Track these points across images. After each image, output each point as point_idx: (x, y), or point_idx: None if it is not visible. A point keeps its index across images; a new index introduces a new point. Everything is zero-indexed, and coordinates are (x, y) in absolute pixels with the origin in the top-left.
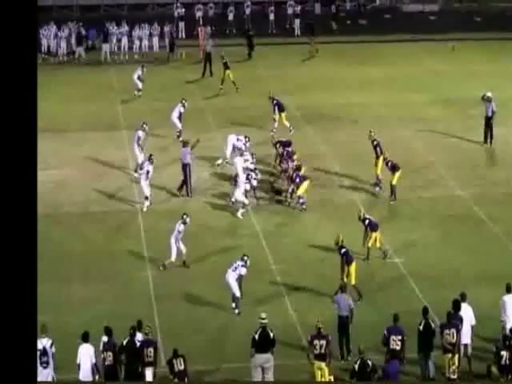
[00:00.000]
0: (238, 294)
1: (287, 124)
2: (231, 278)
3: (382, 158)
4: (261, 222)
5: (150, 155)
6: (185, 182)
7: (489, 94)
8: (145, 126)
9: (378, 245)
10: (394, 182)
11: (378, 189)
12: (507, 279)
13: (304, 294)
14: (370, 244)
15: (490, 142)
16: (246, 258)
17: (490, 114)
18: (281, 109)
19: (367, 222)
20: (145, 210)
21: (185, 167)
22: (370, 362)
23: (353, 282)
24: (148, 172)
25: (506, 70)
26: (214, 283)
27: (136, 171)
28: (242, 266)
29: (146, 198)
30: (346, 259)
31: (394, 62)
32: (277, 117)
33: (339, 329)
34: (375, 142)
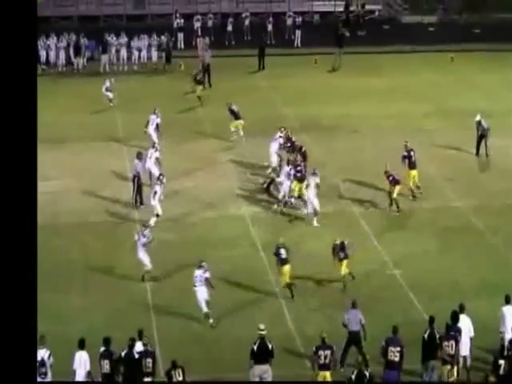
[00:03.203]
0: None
1: (241, 133)
2: (204, 291)
3: (398, 187)
4: (259, 232)
5: (160, 175)
6: (137, 192)
7: (478, 118)
8: (156, 145)
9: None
10: (394, 196)
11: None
12: (506, 290)
13: (302, 305)
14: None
15: (487, 153)
16: (203, 263)
17: (482, 132)
18: (236, 117)
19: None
20: (152, 224)
21: (134, 178)
22: (367, 373)
23: (287, 280)
24: (156, 193)
25: (506, 82)
26: (211, 294)
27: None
28: (204, 272)
29: (157, 215)
30: (280, 261)
31: (392, 72)
32: (233, 124)
33: (348, 343)
34: (389, 175)
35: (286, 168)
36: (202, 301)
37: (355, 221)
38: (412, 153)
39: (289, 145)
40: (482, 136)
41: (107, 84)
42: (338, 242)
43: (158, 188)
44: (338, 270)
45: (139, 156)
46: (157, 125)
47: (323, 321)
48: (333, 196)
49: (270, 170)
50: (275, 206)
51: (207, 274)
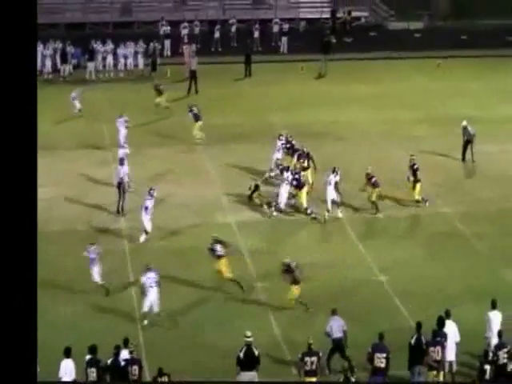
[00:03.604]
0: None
1: (199, 135)
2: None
3: (377, 189)
4: (246, 239)
5: (151, 189)
6: (123, 199)
7: (464, 123)
8: (124, 144)
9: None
10: (373, 199)
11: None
12: (492, 296)
13: (288, 312)
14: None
15: (472, 159)
16: (150, 266)
17: (468, 138)
18: (197, 119)
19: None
20: (142, 240)
21: (119, 185)
22: (353, 379)
23: (228, 275)
24: (147, 208)
25: (492, 88)
26: (197, 301)
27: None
28: (156, 274)
29: (146, 232)
30: (215, 257)
31: (380, 79)
32: (195, 128)
33: (332, 350)
34: (370, 177)
35: (285, 173)
36: (152, 301)
37: (342, 227)
38: (417, 165)
39: (289, 146)
40: (467, 142)
41: (73, 94)
42: (286, 262)
43: (149, 203)
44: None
45: (121, 162)
46: (125, 121)
47: (309, 327)
48: (320, 202)
49: (267, 175)
50: (272, 210)
51: (158, 277)
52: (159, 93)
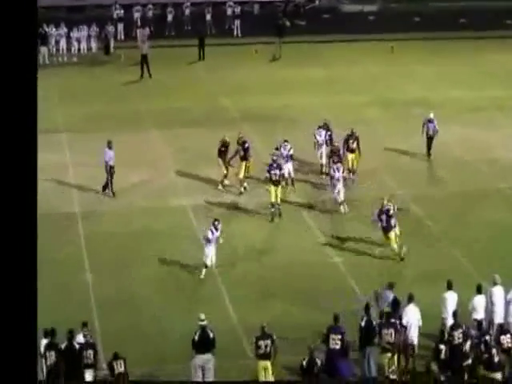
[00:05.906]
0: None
1: None
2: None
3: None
4: (201, 222)
5: (215, 220)
6: (109, 182)
7: (431, 116)
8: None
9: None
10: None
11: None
12: (446, 277)
13: (244, 295)
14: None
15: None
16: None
17: (431, 134)
18: None
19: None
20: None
21: (109, 168)
22: (318, 361)
23: None
24: (216, 239)
25: (444, 71)
26: (152, 287)
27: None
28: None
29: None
30: None
31: (333, 62)
32: None
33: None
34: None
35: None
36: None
37: (297, 211)
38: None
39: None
40: (430, 138)
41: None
42: None
43: (216, 235)
44: None
45: (109, 145)
46: None
47: (265, 310)
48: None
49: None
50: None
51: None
52: None
